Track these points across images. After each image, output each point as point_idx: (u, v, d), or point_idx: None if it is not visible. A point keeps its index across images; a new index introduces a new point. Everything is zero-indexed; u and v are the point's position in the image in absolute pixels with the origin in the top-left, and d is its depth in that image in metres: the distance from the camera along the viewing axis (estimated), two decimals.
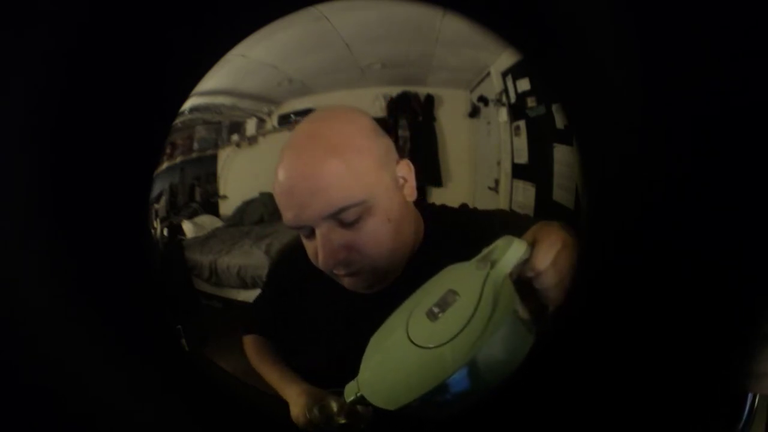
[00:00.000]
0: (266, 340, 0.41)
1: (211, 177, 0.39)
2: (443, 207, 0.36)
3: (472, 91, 0.36)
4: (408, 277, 0.34)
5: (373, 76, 0.34)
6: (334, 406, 0.34)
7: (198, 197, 0.39)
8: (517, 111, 0.35)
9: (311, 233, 0.32)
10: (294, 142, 0.33)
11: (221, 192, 0.39)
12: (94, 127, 0.27)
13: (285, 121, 0.36)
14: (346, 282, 0.35)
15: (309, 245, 0.33)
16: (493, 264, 0.26)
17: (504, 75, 0.35)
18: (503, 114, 0.35)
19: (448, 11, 0.33)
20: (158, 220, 0.37)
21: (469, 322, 0.25)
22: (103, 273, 0.28)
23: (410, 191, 0.34)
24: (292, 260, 0.37)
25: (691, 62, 0.25)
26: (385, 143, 0.34)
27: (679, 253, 0.26)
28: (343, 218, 0.31)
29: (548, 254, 0.25)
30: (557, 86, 0.32)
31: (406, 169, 0.34)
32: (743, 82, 0.24)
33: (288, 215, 0.32)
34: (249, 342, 0.41)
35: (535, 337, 0.26)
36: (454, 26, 0.33)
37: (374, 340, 0.29)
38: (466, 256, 0.31)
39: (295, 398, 0.35)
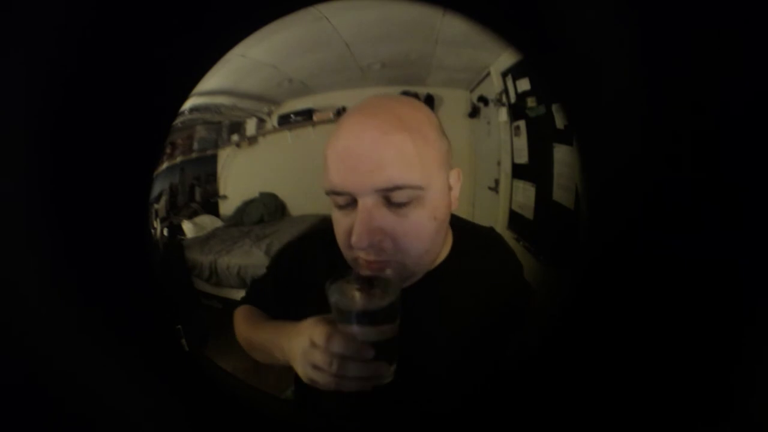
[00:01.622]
0: (257, 309, 0.38)
1: (211, 177, 0.39)
2: (472, 223, 0.35)
3: (472, 91, 0.36)
4: (425, 285, 0.34)
5: (373, 76, 0.34)
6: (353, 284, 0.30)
7: (198, 197, 0.39)
8: (517, 111, 0.35)
9: (350, 204, 0.30)
10: (366, 107, 0.32)
11: (221, 192, 0.39)
12: (94, 127, 0.27)
13: (285, 121, 0.36)
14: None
15: (342, 220, 0.31)
16: None
17: (504, 75, 0.35)
18: (503, 114, 0.35)
19: (448, 11, 0.33)
20: (158, 220, 0.37)
21: None
22: (103, 273, 0.28)
23: (455, 201, 0.33)
24: (300, 253, 0.37)
25: (690, 62, 0.25)
26: (447, 145, 0.33)
27: (678, 253, 0.26)
28: (393, 197, 0.29)
29: None
30: (557, 86, 0.32)
31: (455, 178, 0.33)
32: (743, 82, 0.24)
33: (336, 178, 0.30)
34: (239, 312, 0.39)
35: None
36: (454, 26, 0.33)
37: None
38: (486, 276, 0.34)
39: (297, 331, 0.31)
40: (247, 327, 0.38)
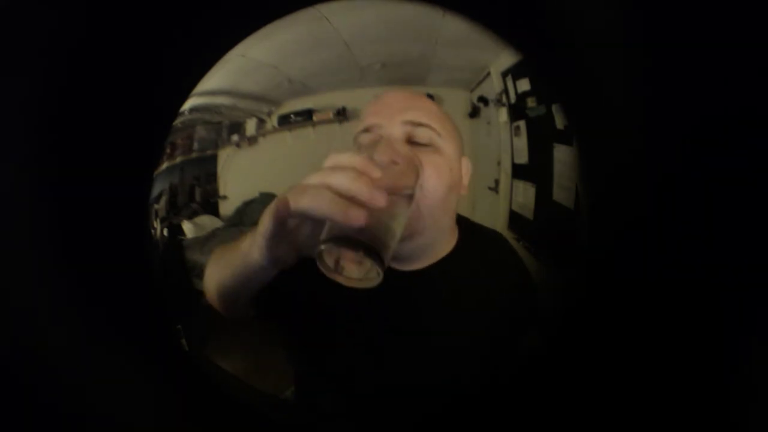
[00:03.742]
0: None
1: (211, 177, 0.39)
2: (478, 224, 0.36)
3: (472, 91, 0.36)
4: (428, 277, 0.34)
5: (373, 76, 0.34)
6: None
7: (198, 197, 0.39)
8: (517, 111, 0.35)
9: (373, 143, 0.32)
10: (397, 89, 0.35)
11: (221, 192, 0.39)
12: (94, 126, 0.27)
13: (285, 121, 0.36)
14: None
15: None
16: None
17: (504, 75, 0.35)
18: (503, 114, 0.35)
19: (448, 11, 0.33)
20: (158, 220, 0.37)
21: None
22: (104, 273, 0.28)
23: (464, 188, 0.35)
24: None
25: (690, 62, 0.25)
26: (460, 135, 0.35)
27: (678, 253, 0.26)
28: (416, 134, 0.33)
29: None
30: (557, 86, 0.32)
31: (466, 166, 0.35)
32: (743, 81, 0.24)
33: (368, 116, 0.34)
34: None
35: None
36: (454, 26, 0.33)
37: None
38: (489, 275, 0.34)
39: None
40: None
